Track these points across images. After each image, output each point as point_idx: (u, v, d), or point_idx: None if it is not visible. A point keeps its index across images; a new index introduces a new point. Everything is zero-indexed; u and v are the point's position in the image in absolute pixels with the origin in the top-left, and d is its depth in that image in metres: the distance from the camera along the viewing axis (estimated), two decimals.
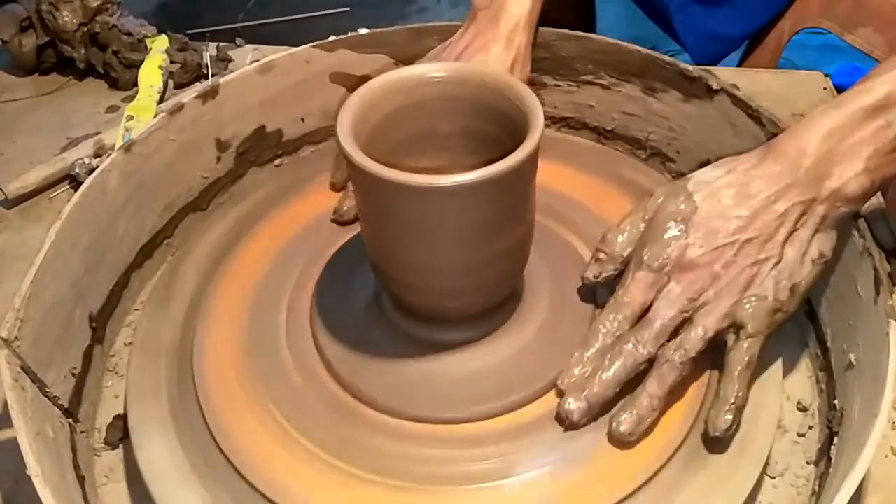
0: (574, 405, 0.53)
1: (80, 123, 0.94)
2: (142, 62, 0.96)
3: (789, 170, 0.54)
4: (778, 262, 0.53)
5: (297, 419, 0.55)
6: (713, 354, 0.55)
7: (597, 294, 0.60)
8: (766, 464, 0.56)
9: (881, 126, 0.53)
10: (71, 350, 0.61)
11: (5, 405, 0.51)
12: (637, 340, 0.53)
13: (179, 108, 0.71)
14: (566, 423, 0.53)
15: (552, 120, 0.82)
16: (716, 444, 0.53)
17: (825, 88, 0.89)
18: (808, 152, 0.53)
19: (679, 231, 0.54)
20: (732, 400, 0.52)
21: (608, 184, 0.71)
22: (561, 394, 0.54)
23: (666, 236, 0.54)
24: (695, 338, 0.53)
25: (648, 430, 0.53)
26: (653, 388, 0.53)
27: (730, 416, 0.52)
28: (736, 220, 0.54)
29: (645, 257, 0.55)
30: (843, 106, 0.54)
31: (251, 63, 0.80)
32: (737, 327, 0.53)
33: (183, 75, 0.98)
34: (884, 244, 0.59)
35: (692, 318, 0.54)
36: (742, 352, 0.53)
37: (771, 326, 0.53)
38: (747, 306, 0.53)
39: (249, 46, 1.03)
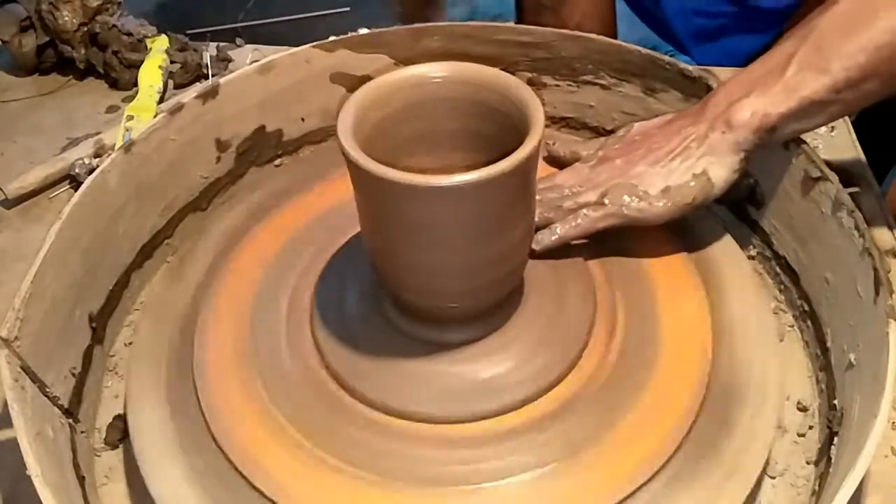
0: None
1: (80, 123, 0.94)
2: (142, 62, 0.96)
3: (700, 109, 0.64)
4: (663, 167, 0.63)
5: (296, 419, 0.55)
6: None
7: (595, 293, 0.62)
8: (766, 464, 0.56)
9: (773, 68, 0.60)
10: (71, 350, 0.61)
11: (5, 405, 0.51)
12: (540, 198, 0.64)
13: (179, 108, 0.71)
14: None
15: (552, 120, 0.82)
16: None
17: None
18: (715, 93, 0.64)
19: (612, 143, 0.68)
20: (557, 231, 0.63)
21: None
22: None
23: (605, 146, 0.68)
24: (572, 200, 0.64)
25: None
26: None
27: (544, 238, 0.62)
28: (651, 136, 0.65)
29: (585, 156, 0.69)
30: (747, 67, 0.63)
31: (251, 63, 0.80)
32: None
33: (183, 75, 0.98)
34: (883, 244, 0.59)
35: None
36: (589, 212, 0.63)
37: (626, 208, 0.62)
38: (618, 185, 0.63)
39: (249, 46, 1.03)
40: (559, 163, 0.72)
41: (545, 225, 0.64)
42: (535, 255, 0.62)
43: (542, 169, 0.71)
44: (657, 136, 0.65)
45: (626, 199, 0.62)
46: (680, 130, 0.63)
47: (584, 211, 0.63)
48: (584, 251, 0.64)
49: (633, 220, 0.63)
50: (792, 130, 0.61)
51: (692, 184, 0.62)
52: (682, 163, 0.62)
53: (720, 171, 0.61)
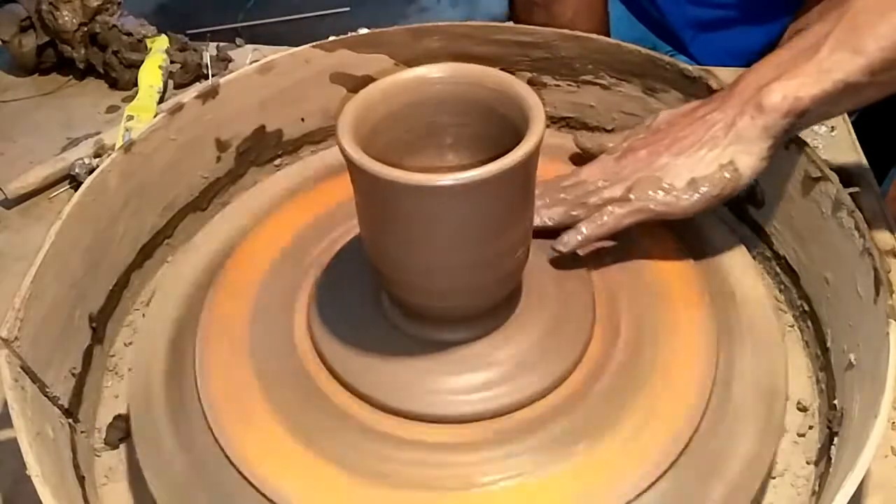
0: None
1: (80, 123, 0.94)
2: (142, 62, 0.96)
3: (727, 94, 0.62)
4: (688, 157, 0.61)
5: (295, 419, 0.55)
6: None
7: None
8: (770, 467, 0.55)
9: (805, 49, 0.58)
10: (71, 350, 0.61)
11: (5, 405, 0.51)
12: (566, 196, 0.64)
13: (179, 108, 0.71)
14: None
15: (552, 120, 0.82)
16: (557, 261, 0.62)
17: None
18: (744, 76, 0.62)
19: (638, 133, 0.66)
20: (584, 231, 0.61)
21: None
22: None
23: (630, 136, 0.66)
24: (597, 196, 0.63)
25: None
26: (548, 211, 0.64)
27: (570, 239, 0.61)
28: (676, 125, 0.63)
29: (611, 147, 0.67)
30: (781, 47, 0.62)
31: (251, 63, 0.80)
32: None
33: (183, 75, 0.98)
34: (883, 244, 0.59)
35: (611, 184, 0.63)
36: (615, 209, 0.61)
37: (652, 202, 0.61)
38: (643, 179, 0.61)
39: (249, 46, 1.03)
40: (587, 156, 0.70)
41: (571, 223, 0.62)
42: (562, 256, 0.61)
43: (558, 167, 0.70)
44: (682, 124, 0.63)
45: (652, 193, 0.61)
46: (705, 118, 0.61)
47: (610, 208, 0.62)
48: (592, 262, 0.63)
49: (660, 215, 0.61)
50: (823, 113, 0.59)
51: (719, 175, 0.60)
52: (708, 152, 0.60)
53: (748, 159, 0.59)
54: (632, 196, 0.61)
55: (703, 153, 0.60)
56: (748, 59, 0.64)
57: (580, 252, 0.63)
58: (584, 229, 0.61)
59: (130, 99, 0.94)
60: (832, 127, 0.82)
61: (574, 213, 0.63)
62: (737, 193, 0.61)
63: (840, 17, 0.56)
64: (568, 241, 0.61)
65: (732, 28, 1.08)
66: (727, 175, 0.60)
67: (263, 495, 0.52)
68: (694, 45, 1.09)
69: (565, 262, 0.62)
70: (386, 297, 0.59)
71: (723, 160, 0.60)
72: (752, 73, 0.61)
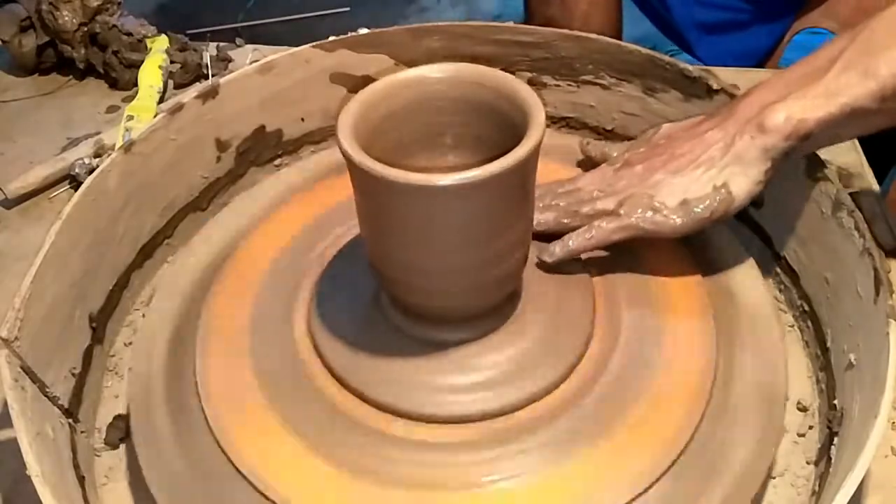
0: None
1: (80, 123, 0.94)
2: (142, 62, 0.96)
3: (729, 112, 0.60)
4: (683, 176, 0.60)
5: (296, 419, 0.55)
6: None
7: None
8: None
9: (815, 69, 0.56)
10: (71, 350, 0.61)
11: (5, 405, 0.51)
12: (559, 203, 0.64)
13: (179, 108, 0.71)
14: None
15: (552, 120, 0.82)
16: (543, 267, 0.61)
17: None
18: (748, 94, 0.61)
19: (639, 145, 0.66)
20: (570, 244, 0.60)
21: None
22: None
23: (631, 148, 0.66)
24: (589, 206, 0.62)
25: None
26: (538, 216, 0.62)
27: (556, 251, 0.60)
28: (676, 141, 0.62)
29: (613, 157, 0.66)
30: (786, 69, 0.61)
31: (251, 63, 0.80)
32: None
33: (183, 75, 0.98)
34: (884, 244, 0.59)
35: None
36: (603, 224, 0.60)
37: (641, 220, 0.60)
38: (635, 195, 0.60)
39: (249, 46, 1.03)
40: (591, 164, 0.69)
41: (561, 230, 0.62)
42: (546, 266, 0.61)
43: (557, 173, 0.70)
44: (681, 140, 0.62)
45: (641, 211, 0.59)
46: (704, 136, 0.60)
47: (598, 222, 0.61)
48: (592, 264, 0.63)
49: (648, 233, 0.60)
50: (827, 138, 0.57)
51: (711, 197, 0.58)
52: (703, 173, 0.59)
53: (743, 182, 0.58)
54: (622, 212, 0.60)
55: (699, 173, 0.59)
56: (753, 61, 0.64)
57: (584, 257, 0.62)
58: (571, 242, 0.61)
59: (130, 99, 0.94)
60: None
61: (564, 220, 0.62)
62: (730, 216, 0.59)
63: (854, 37, 0.54)
64: (553, 253, 0.61)
65: (739, 31, 1.07)
66: (719, 198, 0.58)
67: (263, 495, 0.52)
68: (700, 46, 1.09)
69: (566, 263, 0.62)
70: (386, 297, 0.59)
71: (717, 182, 0.58)
72: (758, 91, 0.59)
